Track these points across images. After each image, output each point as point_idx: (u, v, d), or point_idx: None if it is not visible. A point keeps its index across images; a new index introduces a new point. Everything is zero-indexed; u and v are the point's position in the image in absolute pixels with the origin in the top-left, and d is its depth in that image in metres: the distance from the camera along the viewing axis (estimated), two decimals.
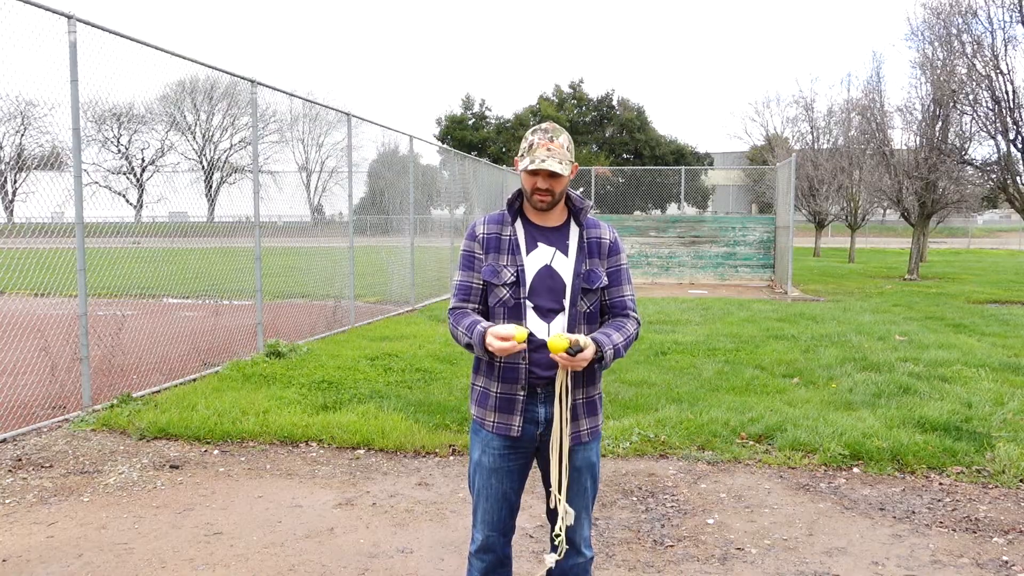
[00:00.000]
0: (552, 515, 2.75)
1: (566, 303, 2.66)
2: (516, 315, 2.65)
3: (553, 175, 2.61)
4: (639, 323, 2.80)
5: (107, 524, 4.28)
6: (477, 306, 2.73)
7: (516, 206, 2.75)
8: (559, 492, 2.66)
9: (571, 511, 2.69)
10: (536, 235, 2.71)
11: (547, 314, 2.66)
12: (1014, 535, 4.16)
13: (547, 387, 2.66)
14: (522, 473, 2.79)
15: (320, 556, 3.92)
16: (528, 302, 2.66)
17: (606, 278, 2.73)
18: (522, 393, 2.66)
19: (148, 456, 5.41)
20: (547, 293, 2.66)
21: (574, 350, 2.45)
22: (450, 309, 2.76)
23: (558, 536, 2.69)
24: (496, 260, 2.69)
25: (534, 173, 2.62)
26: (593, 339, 2.56)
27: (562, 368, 2.58)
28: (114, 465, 5.22)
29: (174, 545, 4.03)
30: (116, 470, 5.12)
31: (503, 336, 2.47)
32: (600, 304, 2.77)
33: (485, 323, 2.60)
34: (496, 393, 2.70)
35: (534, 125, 2.73)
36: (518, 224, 2.74)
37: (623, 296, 2.78)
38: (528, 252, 2.69)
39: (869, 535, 4.18)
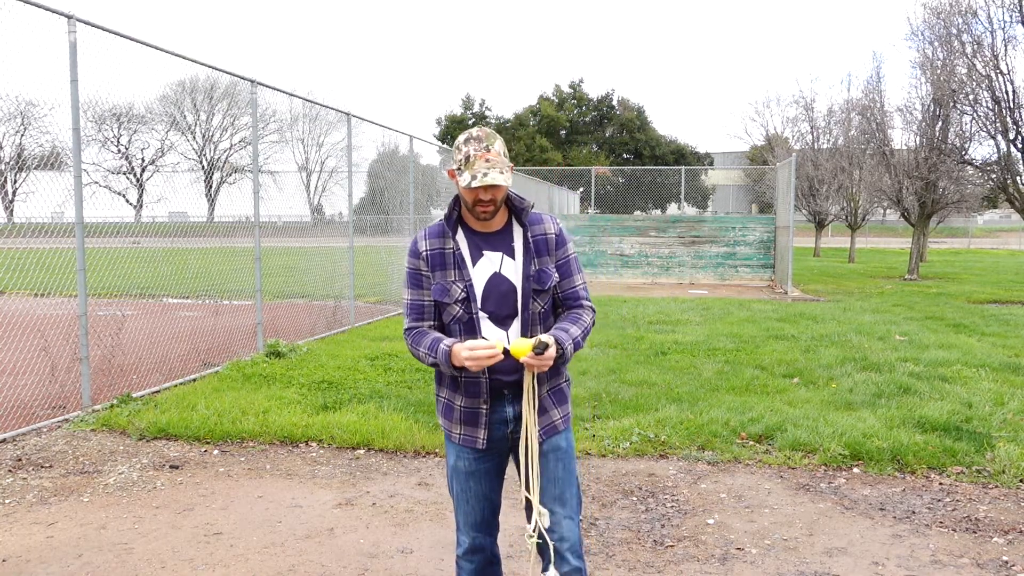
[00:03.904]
0: (529, 514, 2.67)
1: (519, 307, 2.60)
2: (471, 329, 2.60)
3: (494, 185, 2.50)
4: (594, 311, 2.75)
5: (107, 524, 4.28)
6: (432, 323, 2.67)
7: (455, 217, 2.64)
8: (531, 493, 2.62)
9: (545, 512, 2.62)
10: (480, 243, 2.63)
11: (503, 321, 2.61)
12: (1014, 535, 4.16)
13: (512, 389, 2.62)
14: (499, 472, 2.77)
15: (320, 556, 3.92)
16: (482, 312, 2.60)
17: (556, 275, 2.66)
18: (484, 407, 2.63)
19: (148, 456, 5.41)
20: (499, 300, 2.60)
21: (539, 349, 2.43)
22: (405, 330, 2.68)
23: (531, 538, 2.62)
24: (443, 277, 2.61)
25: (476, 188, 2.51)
26: (552, 336, 2.52)
27: (528, 371, 2.53)
28: (114, 465, 5.22)
29: (174, 545, 4.03)
30: (116, 470, 5.12)
31: (466, 353, 2.42)
32: (553, 299, 2.70)
33: (448, 340, 2.55)
34: (460, 407, 2.67)
35: (465, 132, 2.57)
36: (460, 235, 2.64)
37: (575, 287, 2.71)
38: (474, 263, 2.61)
39: (869, 535, 4.18)
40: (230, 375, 7.55)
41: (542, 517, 2.61)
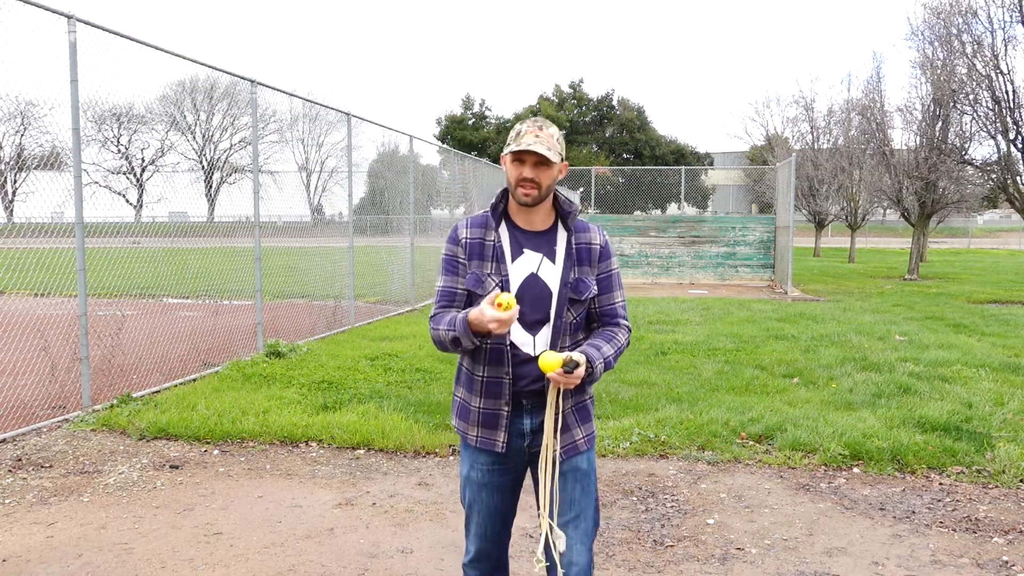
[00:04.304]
0: (546, 538, 2.59)
1: (552, 314, 2.50)
2: None
3: (540, 163, 2.43)
4: (630, 331, 2.65)
5: (107, 524, 4.28)
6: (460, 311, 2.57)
7: (500, 208, 2.56)
8: (548, 515, 2.50)
9: (562, 535, 2.51)
10: (522, 240, 2.54)
11: (532, 326, 2.50)
12: (1014, 535, 4.16)
13: (532, 399, 2.52)
14: (514, 488, 2.65)
15: (320, 556, 3.92)
16: None
17: (595, 287, 2.56)
18: (507, 408, 2.51)
19: (148, 456, 5.41)
20: (533, 303, 2.49)
21: (570, 367, 2.32)
22: (431, 316, 2.58)
23: (539, 562, 2.50)
24: (480, 268, 2.52)
25: (520, 160, 2.44)
26: (583, 353, 2.42)
27: (554, 386, 2.43)
28: (114, 465, 5.22)
29: (174, 545, 4.03)
30: (116, 470, 5.12)
31: (492, 312, 2.29)
32: (588, 312, 2.60)
33: (464, 311, 2.46)
34: (478, 408, 2.56)
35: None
36: (503, 228, 2.55)
37: (614, 304, 2.61)
38: (513, 259, 2.52)
39: (869, 535, 4.18)
40: (230, 375, 7.55)
41: (559, 541, 2.51)
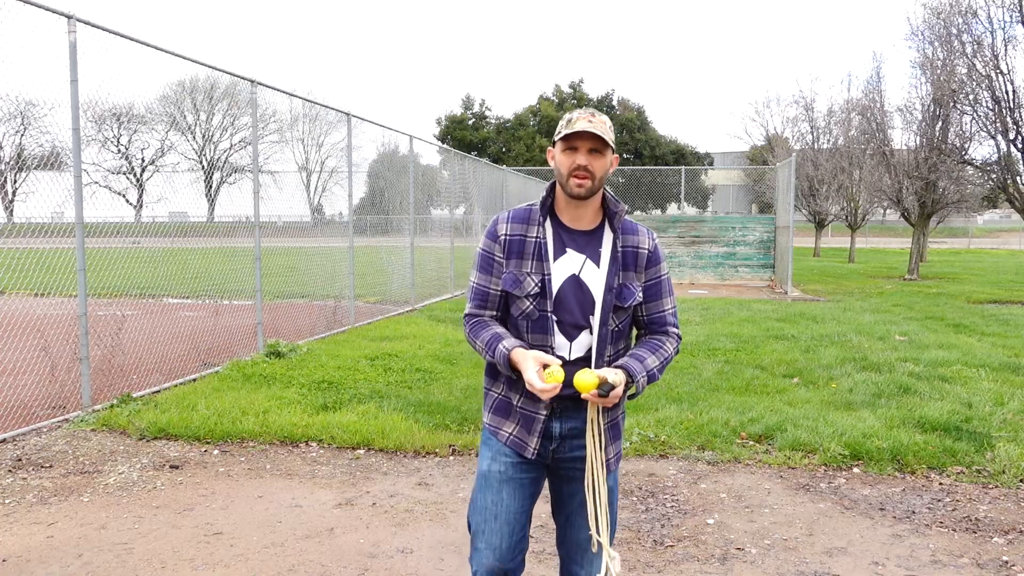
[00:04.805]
0: (565, 547, 2.53)
1: (594, 321, 2.34)
2: (542, 328, 2.35)
3: (595, 150, 2.28)
4: (680, 339, 2.48)
5: (107, 524, 4.28)
6: (495, 313, 2.44)
7: (549, 203, 2.40)
8: (599, 534, 2.39)
9: (616, 556, 2.42)
10: (565, 239, 2.38)
11: (571, 331, 2.35)
12: (1014, 535, 4.16)
13: (564, 403, 2.37)
14: (534, 489, 2.50)
15: (320, 556, 3.92)
16: (552, 316, 2.35)
17: (641, 293, 2.41)
18: (544, 413, 2.38)
19: (148, 456, 5.41)
20: (574, 308, 2.34)
21: (605, 389, 2.19)
22: (466, 315, 2.47)
23: None
24: (519, 267, 2.36)
25: (572, 148, 2.29)
26: (623, 366, 2.29)
27: (592, 405, 2.30)
28: (114, 465, 5.22)
29: (174, 545, 4.03)
30: (116, 470, 5.12)
31: (539, 384, 2.20)
32: (632, 319, 2.46)
33: (509, 340, 2.32)
34: (518, 407, 2.41)
35: (567, 114, 2.42)
36: (547, 224, 2.39)
37: (663, 311, 2.45)
38: (556, 258, 2.36)
39: (869, 535, 4.18)
40: (230, 375, 7.55)
41: (613, 561, 2.40)
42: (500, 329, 2.38)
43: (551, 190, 2.41)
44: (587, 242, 2.39)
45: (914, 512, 4.48)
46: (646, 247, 2.42)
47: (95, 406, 6.44)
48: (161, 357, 8.33)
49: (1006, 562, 3.84)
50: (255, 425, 5.91)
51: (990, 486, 4.87)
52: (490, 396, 2.52)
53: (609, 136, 2.30)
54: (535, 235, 2.37)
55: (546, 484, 2.59)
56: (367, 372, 7.79)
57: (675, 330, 2.47)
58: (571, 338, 2.35)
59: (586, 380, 2.20)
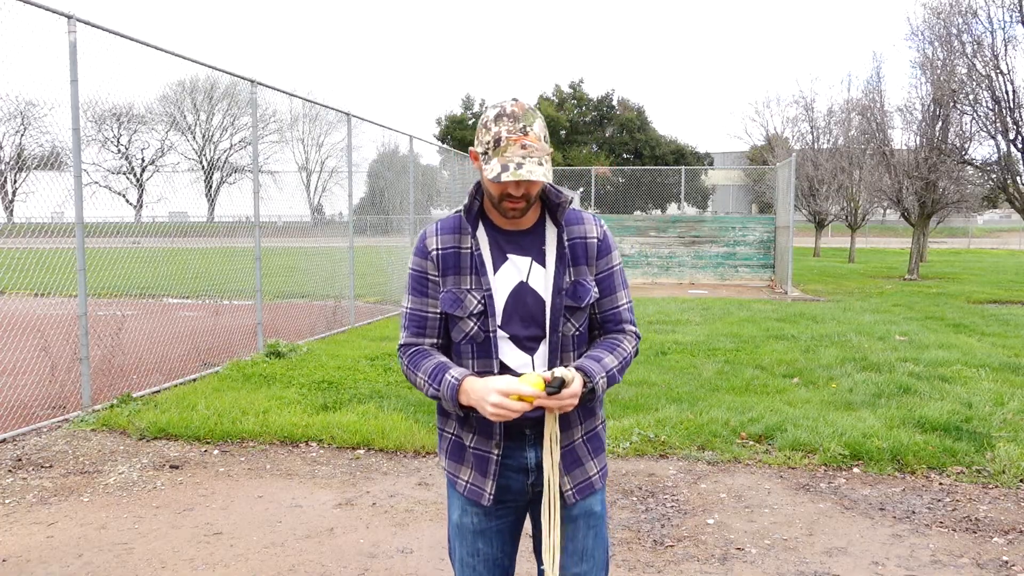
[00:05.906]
0: None
1: (547, 328, 2.07)
2: (486, 351, 2.07)
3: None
4: (638, 338, 2.21)
5: (107, 524, 4.28)
6: (436, 340, 2.14)
7: (476, 209, 2.09)
8: (550, 568, 2.07)
9: None
10: (504, 244, 2.08)
11: (527, 344, 2.07)
12: (1014, 535, 4.16)
13: (536, 428, 2.08)
14: (514, 533, 2.22)
15: (320, 556, 3.92)
16: (502, 332, 2.06)
17: (596, 289, 2.13)
18: (496, 452, 2.08)
19: (148, 456, 5.41)
20: (525, 318, 2.06)
21: (554, 386, 1.88)
22: (401, 345, 2.15)
23: None
24: (457, 284, 2.07)
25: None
26: (580, 367, 1.99)
27: (549, 412, 1.99)
28: (114, 465, 5.22)
29: (174, 545, 4.03)
30: (116, 470, 5.12)
31: (496, 398, 1.88)
32: (590, 319, 2.18)
33: (457, 370, 2.02)
34: (470, 447, 2.13)
35: (495, 106, 2.00)
36: (480, 232, 2.09)
37: (617, 307, 2.17)
38: (496, 269, 2.07)
39: (869, 535, 4.18)
40: (230, 375, 7.56)
41: None
42: (444, 360, 2.08)
43: (477, 192, 2.09)
44: (530, 242, 2.10)
45: (914, 512, 4.48)
46: (594, 235, 2.13)
47: (95, 406, 6.44)
48: (161, 357, 8.34)
49: (1006, 562, 3.84)
50: (255, 425, 5.91)
51: (990, 486, 4.87)
52: (444, 437, 2.24)
53: (545, 156, 1.97)
54: (469, 247, 2.08)
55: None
56: (367, 372, 7.79)
57: (632, 327, 2.19)
58: (531, 352, 2.08)
59: (531, 382, 1.90)
